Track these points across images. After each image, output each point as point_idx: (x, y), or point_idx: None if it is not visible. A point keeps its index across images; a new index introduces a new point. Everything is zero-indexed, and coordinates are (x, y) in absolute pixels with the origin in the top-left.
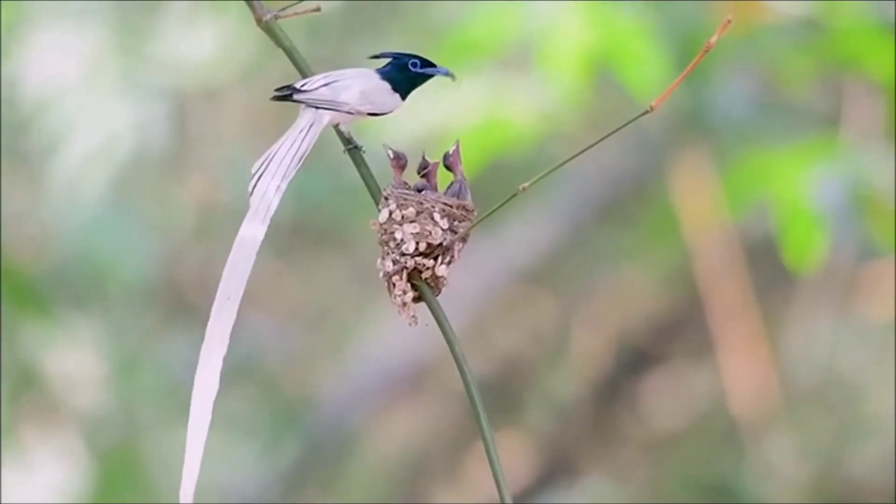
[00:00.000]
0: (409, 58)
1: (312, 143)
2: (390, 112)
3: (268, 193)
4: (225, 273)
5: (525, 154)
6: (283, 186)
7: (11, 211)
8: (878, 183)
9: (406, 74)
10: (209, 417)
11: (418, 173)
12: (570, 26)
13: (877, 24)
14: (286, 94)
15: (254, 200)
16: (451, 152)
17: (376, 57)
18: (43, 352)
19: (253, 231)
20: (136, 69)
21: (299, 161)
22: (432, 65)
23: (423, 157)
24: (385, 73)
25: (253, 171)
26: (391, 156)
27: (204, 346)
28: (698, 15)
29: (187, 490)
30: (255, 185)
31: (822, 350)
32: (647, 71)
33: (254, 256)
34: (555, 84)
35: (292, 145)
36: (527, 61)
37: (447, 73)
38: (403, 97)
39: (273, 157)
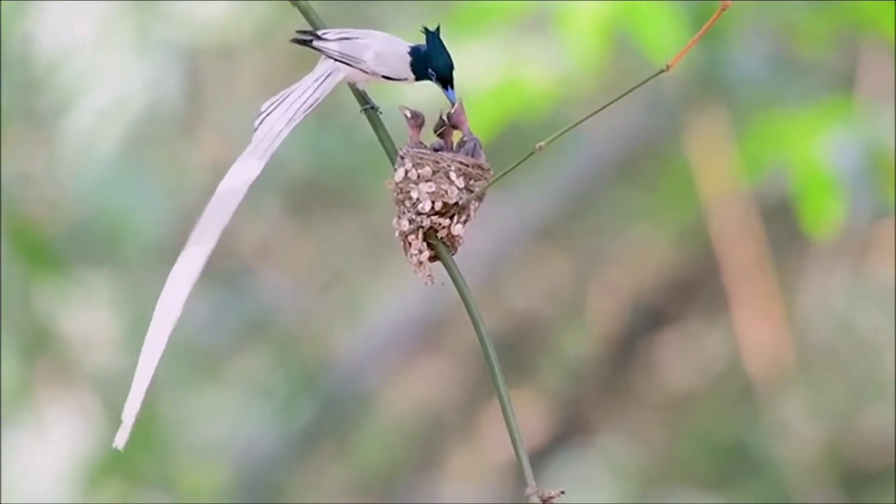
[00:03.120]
0: (437, 60)
1: (325, 93)
2: (404, 80)
3: (272, 132)
4: (213, 200)
5: (541, 116)
6: (288, 129)
7: (26, 170)
8: (892, 145)
9: (423, 70)
10: (164, 344)
11: (435, 132)
12: None
13: None
14: (307, 40)
15: (257, 136)
16: (452, 111)
17: (426, 31)
18: (58, 311)
19: (250, 164)
20: (151, 27)
21: (309, 108)
22: (449, 82)
23: (441, 117)
24: (413, 51)
25: (262, 109)
26: (408, 115)
27: (178, 264)
28: None
29: (130, 412)
30: (260, 123)
31: (837, 309)
32: (664, 33)
33: (245, 189)
34: (573, 47)
35: (305, 91)
36: (544, 23)
37: (452, 99)
38: (416, 78)
39: (284, 99)
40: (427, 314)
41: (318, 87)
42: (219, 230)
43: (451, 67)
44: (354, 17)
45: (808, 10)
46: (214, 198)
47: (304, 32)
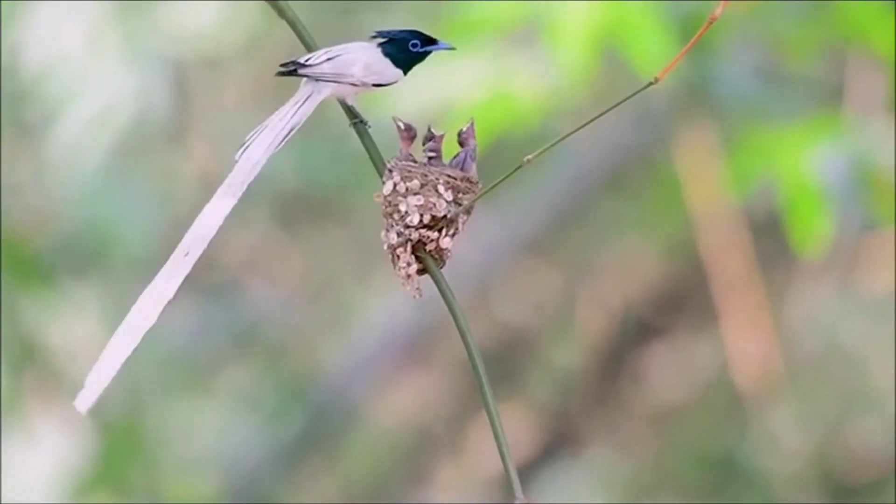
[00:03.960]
0: (409, 36)
1: (307, 116)
2: (395, 82)
3: (249, 163)
4: (191, 229)
5: (530, 130)
6: (266, 157)
7: (13, 181)
8: (881, 158)
9: (407, 54)
10: (129, 352)
11: (423, 145)
12: (577, 2)
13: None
14: (291, 70)
15: (237, 168)
16: (464, 129)
17: (376, 36)
18: (45, 323)
19: (226, 197)
20: (139, 37)
21: (289, 132)
22: (432, 40)
23: (429, 130)
24: (386, 51)
25: (246, 139)
26: (401, 127)
27: (148, 289)
28: None
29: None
30: (242, 154)
31: (825, 321)
32: (652, 46)
33: (221, 220)
34: (562, 60)
35: (284, 117)
36: (532, 37)
37: (447, 47)
38: (405, 72)
39: (266, 127)
40: (416, 326)
41: (297, 111)
42: (197, 253)
43: (422, 32)
44: (341, 26)
45: (796, 22)
46: (195, 224)
47: (287, 64)
